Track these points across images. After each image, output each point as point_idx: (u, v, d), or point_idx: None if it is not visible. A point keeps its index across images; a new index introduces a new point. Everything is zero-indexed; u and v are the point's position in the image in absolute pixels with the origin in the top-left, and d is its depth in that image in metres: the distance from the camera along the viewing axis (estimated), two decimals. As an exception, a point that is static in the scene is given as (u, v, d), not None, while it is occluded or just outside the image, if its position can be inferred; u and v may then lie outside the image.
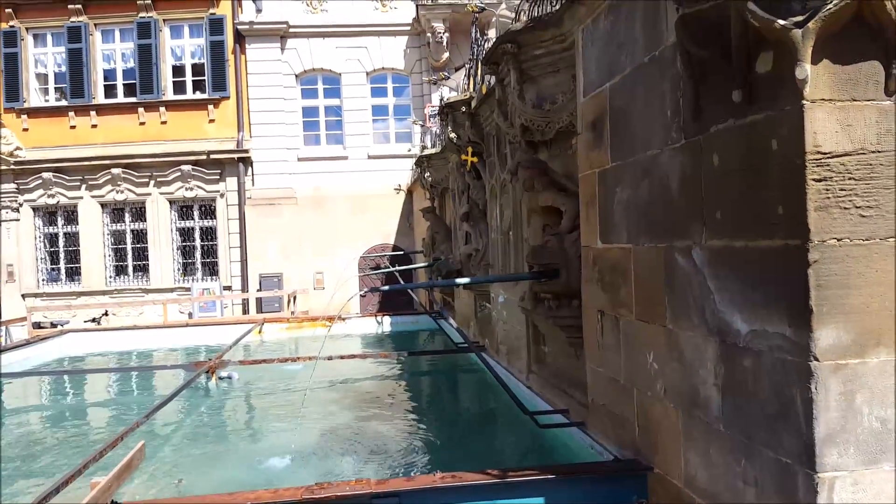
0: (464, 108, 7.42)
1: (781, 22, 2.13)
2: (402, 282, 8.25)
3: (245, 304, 16.66)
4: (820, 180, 2.18)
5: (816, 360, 2.19)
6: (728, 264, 2.64)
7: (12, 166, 16.76)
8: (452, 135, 7.68)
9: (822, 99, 2.18)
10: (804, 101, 2.17)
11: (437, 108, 14.44)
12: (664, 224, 3.14)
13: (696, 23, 2.57)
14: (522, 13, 5.46)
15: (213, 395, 7.15)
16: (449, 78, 12.26)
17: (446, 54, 16.37)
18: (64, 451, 5.50)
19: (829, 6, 2.08)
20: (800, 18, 2.12)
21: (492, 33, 6.72)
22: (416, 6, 16.43)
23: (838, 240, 2.19)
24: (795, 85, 2.16)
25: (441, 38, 16.14)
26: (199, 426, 6.09)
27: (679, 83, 2.96)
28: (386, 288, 4.97)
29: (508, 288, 6.51)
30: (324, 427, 5.57)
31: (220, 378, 7.37)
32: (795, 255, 2.23)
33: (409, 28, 17.05)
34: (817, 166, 2.17)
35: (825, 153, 2.18)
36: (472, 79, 7.81)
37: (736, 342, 2.59)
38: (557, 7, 4.44)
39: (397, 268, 10.98)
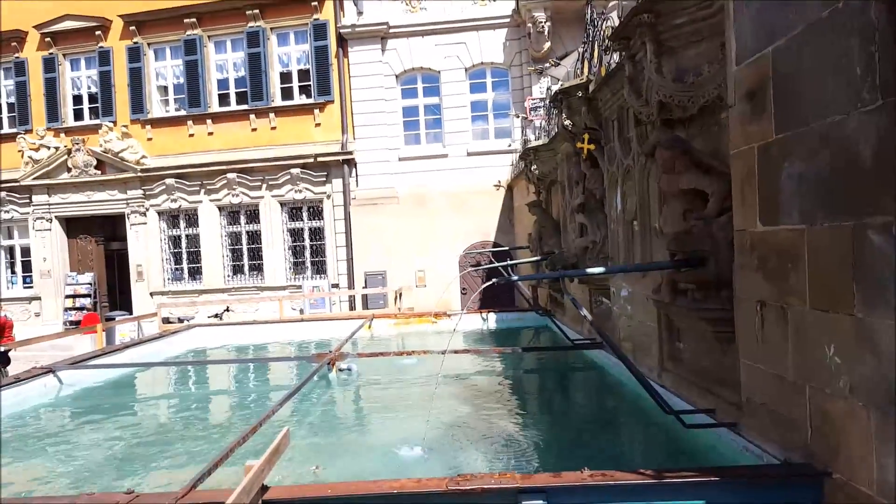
0: (580, 94, 7.12)
1: None
2: (511, 275, 8.03)
3: (351, 300, 17.02)
4: None
5: None
6: (948, 240, 2.26)
7: (139, 174, 17.97)
8: (567, 122, 7.39)
9: None
10: None
11: (541, 99, 14.21)
12: (852, 199, 2.77)
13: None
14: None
15: (334, 385, 7.26)
16: (560, 64, 11.92)
17: (548, 44, 16.00)
18: (205, 436, 5.74)
19: None
20: None
21: (614, 14, 6.38)
22: (516, -2, 16.19)
23: None
24: None
25: (542, 27, 15.79)
26: (327, 415, 6.18)
27: (873, 36, 2.59)
28: (516, 278, 4.81)
29: (634, 280, 6.16)
30: (449, 420, 5.47)
31: (340, 370, 7.48)
32: None
33: (508, 20, 16.83)
34: None
35: None
36: (586, 62, 7.49)
37: (961, 330, 2.22)
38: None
39: (504, 263, 10.75)
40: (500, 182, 16.78)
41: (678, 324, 5.17)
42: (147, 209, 18.32)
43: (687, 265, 4.24)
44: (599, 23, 6.81)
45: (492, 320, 11.54)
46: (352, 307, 16.93)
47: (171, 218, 18.59)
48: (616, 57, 5.77)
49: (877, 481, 2.70)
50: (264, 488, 3.15)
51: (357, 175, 17.33)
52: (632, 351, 6.35)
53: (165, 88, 18.74)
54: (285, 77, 17.91)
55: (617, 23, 6.12)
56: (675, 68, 4.29)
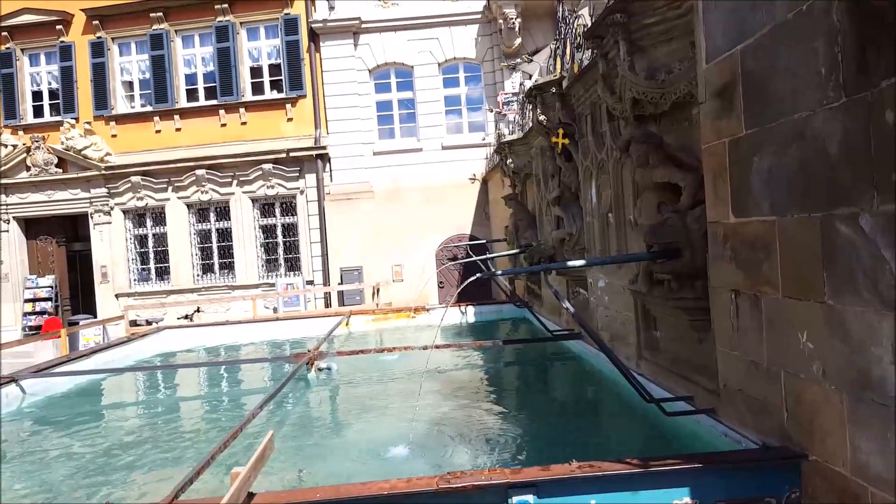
0: (553, 89, 7.22)
1: None
2: (491, 269, 8.15)
3: (327, 297, 16.96)
4: None
5: None
6: (911, 231, 2.39)
7: (103, 171, 17.59)
8: (542, 117, 7.48)
9: None
10: None
11: (513, 94, 14.31)
12: (820, 192, 2.89)
13: (871, -36, 2.33)
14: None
15: (314, 386, 7.25)
16: (532, 60, 12.02)
17: (518, 40, 16.11)
18: (181, 443, 5.67)
19: None
20: None
21: (584, 11, 6.48)
22: (487, -7, 16.26)
23: None
24: None
25: (513, 23, 15.88)
26: (308, 417, 6.17)
27: (836, 37, 2.71)
28: (498, 272, 4.90)
29: (611, 271, 6.29)
30: (433, 417, 5.52)
31: (320, 369, 7.47)
32: None
33: (479, 16, 16.90)
34: None
35: None
36: (559, 59, 7.58)
37: (924, 316, 2.35)
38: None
39: (483, 257, 10.85)
40: (475, 175, 16.87)
41: (655, 313, 5.31)
42: (112, 208, 17.96)
43: (663, 256, 4.36)
44: (571, 20, 6.90)
45: (470, 313, 11.64)
46: (328, 304, 16.87)
47: (137, 216, 18.26)
48: (588, 54, 5.86)
49: (850, 462, 2.84)
50: (251, 495, 3.14)
51: (331, 170, 17.25)
52: (609, 340, 6.48)
53: (131, 84, 18.38)
54: (256, 72, 17.71)
55: (588, 21, 6.23)
56: (648, 66, 4.40)
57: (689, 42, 4.13)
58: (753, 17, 3.33)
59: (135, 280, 18.23)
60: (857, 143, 2.63)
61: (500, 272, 5.37)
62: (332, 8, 16.81)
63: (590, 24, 5.54)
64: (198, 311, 16.49)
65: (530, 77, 12.04)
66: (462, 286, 4.67)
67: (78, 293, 19.10)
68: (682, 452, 3.75)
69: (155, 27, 17.65)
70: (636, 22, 4.38)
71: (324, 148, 17.09)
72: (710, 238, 3.96)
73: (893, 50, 2.36)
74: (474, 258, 11.26)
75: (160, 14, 17.53)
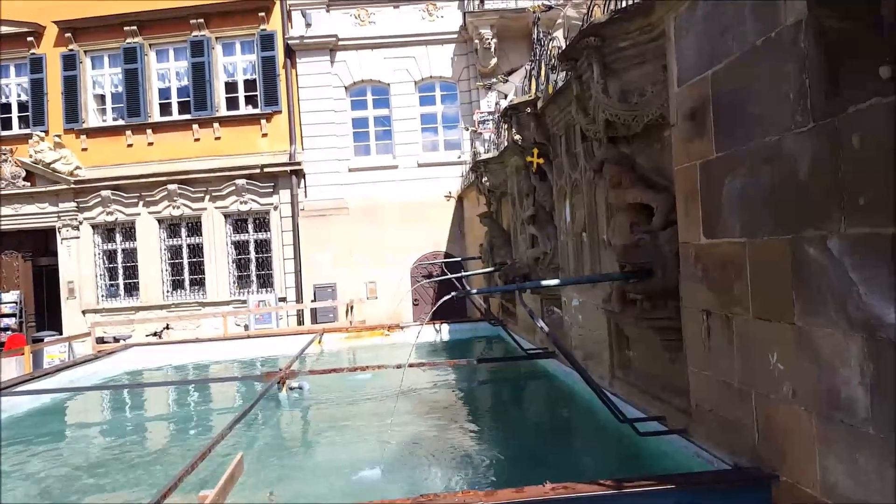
0: (528, 110, 7.28)
1: (954, -17, 1.94)
2: (466, 287, 8.15)
3: (300, 315, 16.78)
4: None
5: None
6: (876, 253, 2.43)
7: (72, 185, 17.27)
8: (517, 136, 7.54)
9: None
10: (984, 69, 1.97)
11: (489, 113, 14.43)
12: (789, 214, 2.93)
13: (836, -6, 2.39)
14: (596, 7, 5.31)
15: (285, 406, 7.12)
16: (507, 80, 12.13)
17: (494, 60, 16.28)
18: (147, 465, 5.51)
19: None
20: (976, -22, 1.93)
21: (558, 33, 6.57)
22: (463, 14, 16.42)
23: None
24: (969, 52, 1.97)
25: (489, 44, 16.07)
26: (279, 438, 6.05)
27: (804, 63, 2.76)
28: (474, 291, 4.89)
29: (584, 290, 6.31)
30: (406, 437, 5.46)
31: (291, 388, 7.35)
32: (974, 239, 2.03)
33: (456, 36, 17.05)
34: None
35: None
36: (534, 80, 7.67)
37: (890, 337, 2.38)
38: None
39: (457, 275, 10.84)
40: (450, 193, 16.91)
41: (628, 333, 5.33)
42: (80, 222, 17.61)
43: (636, 276, 4.39)
44: (546, 42, 6.99)
45: (445, 331, 11.60)
46: (300, 322, 16.68)
47: (107, 231, 17.92)
48: (563, 75, 5.93)
49: (820, 483, 2.85)
50: (220, 518, 3.07)
51: (306, 186, 17.15)
52: (583, 359, 6.48)
53: (103, 97, 18.13)
54: (231, 87, 17.62)
55: (562, 43, 6.31)
56: (621, 88, 4.46)
57: (661, 65, 4.19)
58: (724, 42, 3.40)
59: (103, 296, 17.85)
60: (825, 167, 2.68)
61: (474, 291, 5.37)
62: (308, 25, 16.83)
63: (564, 47, 5.61)
64: (167, 328, 16.20)
65: (506, 97, 12.16)
66: (437, 304, 4.64)
67: (44, 309, 18.60)
68: (655, 473, 3.75)
69: (129, 41, 17.48)
70: (609, 45, 4.43)
71: (298, 164, 17.00)
72: (682, 259, 4.00)
73: (860, 76, 2.42)
74: (449, 276, 11.24)
75: (134, 28, 17.37)
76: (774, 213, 3.04)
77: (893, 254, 2.34)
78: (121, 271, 17.84)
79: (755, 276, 3.23)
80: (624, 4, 4.44)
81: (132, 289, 17.78)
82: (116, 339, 15.46)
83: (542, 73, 7.31)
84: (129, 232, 17.79)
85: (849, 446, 2.65)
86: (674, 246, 4.12)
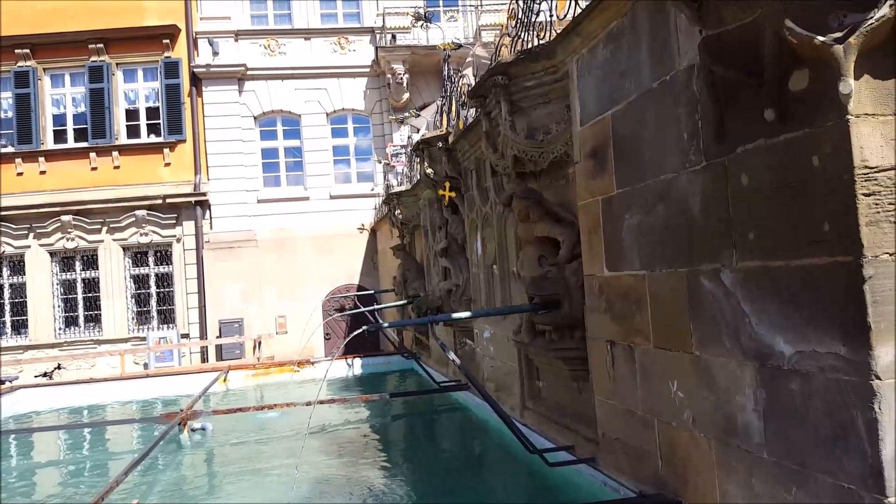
0: (440, 144, 7.38)
1: (821, 38, 2.12)
2: (378, 321, 8.08)
3: (204, 351, 16.01)
4: (869, 195, 2.15)
5: (878, 378, 2.12)
6: (765, 285, 2.58)
7: (-48, 216, 15.92)
8: (429, 170, 7.60)
9: (866, 114, 2.17)
10: (849, 116, 2.16)
11: (402, 146, 14.51)
12: (685, 248, 3.08)
13: (721, 44, 2.56)
14: (504, 47, 5.49)
15: (187, 448, 6.73)
16: (419, 115, 12.28)
17: (406, 94, 16.46)
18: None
19: (870, 22, 2.08)
20: (839, 35, 2.12)
21: (468, 71, 6.73)
22: (375, 48, 16.55)
23: (890, 254, 2.16)
24: (837, 100, 2.15)
25: (401, 79, 16.25)
26: (180, 482, 5.68)
27: (696, 106, 2.94)
28: (385, 325, 4.84)
29: (496, 322, 6.38)
30: (316, 476, 5.27)
31: (193, 430, 6.95)
32: (847, 272, 2.19)
33: (368, 70, 17.12)
34: (866, 181, 2.15)
35: (872, 167, 2.16)
36: (445, 115, 7.79)
37: (780, 365, 2.52)
38: (546, 40, 4.46)
39: (371, 308, 10.72)
40: (363, 225, 16.78)
41: (538, 363, 5.41)
42: (-39, 256, 16.22)
43: (544, 308, 4.47)
44: (456, 79, 7.14)
45: (357, 366, 11.40)
46: (204, 359, 15.90)
47: (-8, 266, 16.58)
48: (473, 112, 6.06)
49: (719, 506, 2.96)
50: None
51: (211, 217, 16.55)
52: (495, 391, 6.52)
53: (-12, 123, 16.91)
54: (132, 114, 16.84)
55: (472, 79, 6.47)
56: (527, 126, 4.59)
57: (565, 105, 4.36)
58: (622, 84, 3.57)
59: (-15, 335, 16.38)
60: (716, 204, 2.84)
61: (387, 324, 5.31)
62: (216, 53, 16.44)
63: (473, 84, 5.74)
64: (59, 367, 15.05)
65: (418, 131, 12.28)
66: (348, 338, 4.55)
67: (-86, 350, 16.86)
68: (562, 503, 3.78)
69: (21, 64, 16.43)
70: (516, 84, 4.57)
71: (204, 195, 16.40)
72: (587, 290, 4.12)
73: (747, 118, 2.59)
74: (362, 309, 11.10)
75: (27, 51, 16.36)
76: (671, 246, 3.19)
77: (781, 286, 2.50)
78: (7, 308, 16.45)
79: (655, 308, 3.36)
80: (530, 46, 4.60)
81: (20, 326, 16.43)
82: (1, 381, 14.19)
83: (453, 108, 7.45)
84: (17, 266, 16.49)
85: (745, 470, 2.77)
86: (579, 278, 4.24)
